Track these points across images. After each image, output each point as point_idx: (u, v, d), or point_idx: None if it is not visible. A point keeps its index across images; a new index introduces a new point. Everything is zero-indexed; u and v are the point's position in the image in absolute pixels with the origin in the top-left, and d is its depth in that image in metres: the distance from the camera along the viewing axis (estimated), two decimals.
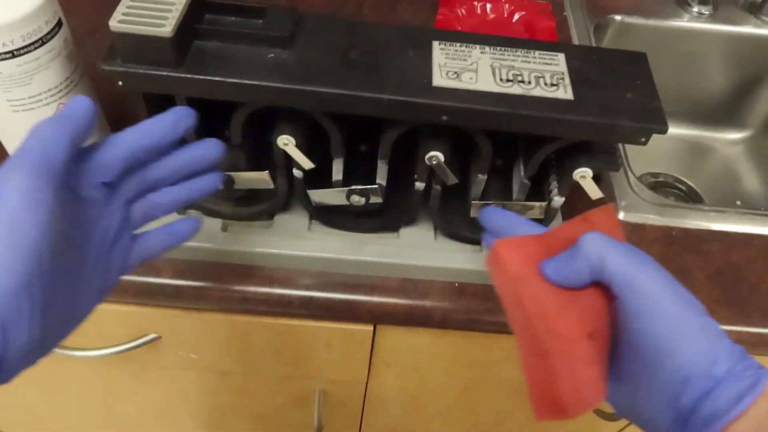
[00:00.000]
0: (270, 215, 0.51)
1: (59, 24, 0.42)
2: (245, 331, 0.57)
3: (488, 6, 0.75)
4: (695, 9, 0.76)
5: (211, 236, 0.49)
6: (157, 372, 0.66)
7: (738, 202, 0.81)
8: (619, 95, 0.39)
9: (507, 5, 0.74)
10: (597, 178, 0.42)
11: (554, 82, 0.40)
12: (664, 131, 0.38)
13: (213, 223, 0.50)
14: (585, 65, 0.41)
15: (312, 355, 0.59)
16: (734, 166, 0.84)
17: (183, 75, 0.37)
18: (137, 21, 0.36)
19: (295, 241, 0.50)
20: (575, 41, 0.72)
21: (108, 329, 0.57)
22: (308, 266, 0.50)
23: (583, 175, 0.41)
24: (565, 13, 0.75)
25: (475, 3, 0.74)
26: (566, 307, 0.31)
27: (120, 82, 0.38)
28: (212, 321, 0.55)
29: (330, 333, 0.56)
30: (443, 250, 0.50)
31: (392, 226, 0.51)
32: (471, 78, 0.39)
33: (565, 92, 0.39)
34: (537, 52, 0.42)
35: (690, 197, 0.82)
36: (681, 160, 0.85)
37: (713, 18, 0.76)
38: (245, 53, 0.39)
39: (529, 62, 0.41)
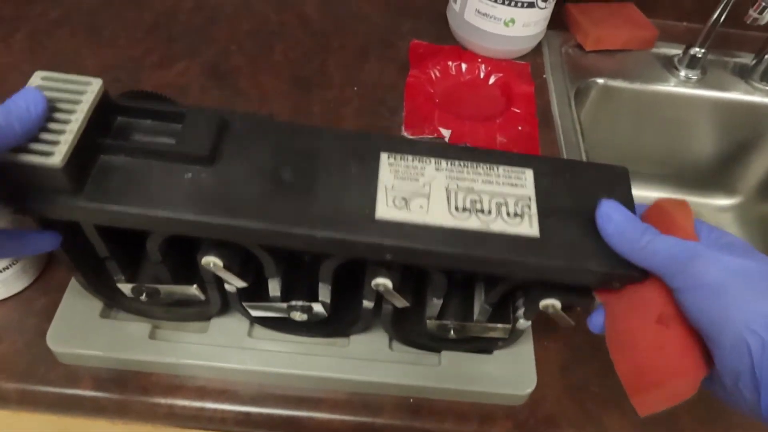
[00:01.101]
0: (206, 317, 0.46)
1: None
2: None
3: (463, 66, 0.70)
4: (683, 73, 0.71)
5: (137, 343, 0.44)
6: None
7: None
8: (593, 228, 0.34)
9: (483, 66, 0.70)
10: (569, 307, 0.37)
11: (518, 212, 0.34)
12: (639, 280, 0.33)
13: (140, 330, 0.44)
14: (556, 185, 0.36)
15: None
16: None
17: (81, 204, 0.32)
18: (24, 147, 0.30)
19: (233, 350, 0.44)
20: (555, 106, 0.67)
21: None
22: (246, 378, 0.45)
23: (552, 306, 0.36)
24: (545, 76, 0.70)
25: (450, 63, 0.70)
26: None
27: (13, 209, 0.33)
28: None
29: None
30: (398, 362, 0.45)
31: (342, 332, 0.46)
32: (421, 206, 0.34)
33: (530, 225, 0.34)
34: (501, 169, 0.36)
35: None
36: None
37: (702, 83, 0.72)
38: (158, 172, 0.33)
39: (491, 182, 0.35)
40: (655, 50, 0.74)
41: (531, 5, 0.65)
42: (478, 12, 0.66)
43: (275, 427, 0.45)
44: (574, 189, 0.36)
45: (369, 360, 0.45)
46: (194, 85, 0.65)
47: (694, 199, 0.81)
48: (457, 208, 0.34)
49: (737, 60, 0.74)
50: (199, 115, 0.35)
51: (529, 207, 0.35)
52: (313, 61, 0.69)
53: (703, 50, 0.70)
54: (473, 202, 0.34)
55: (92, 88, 0.33)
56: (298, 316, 0.41)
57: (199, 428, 0.45)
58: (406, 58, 0.70)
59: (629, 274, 0.32)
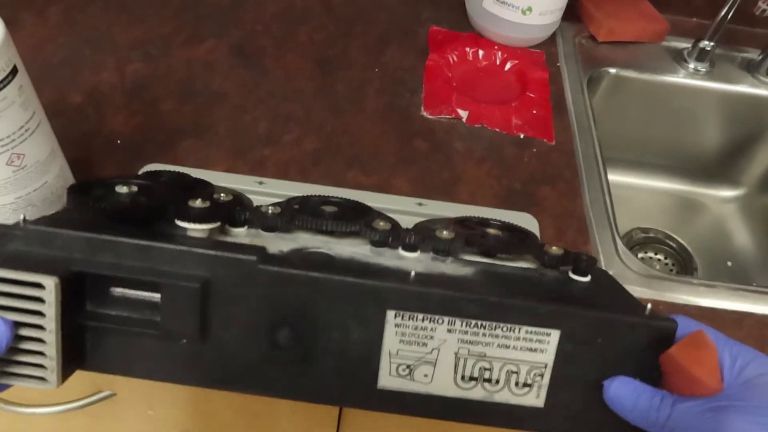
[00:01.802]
0: None
1: (14, 71, 0.39)
2: (203, 391, 0.53)
3: (480, 53, 0.73)
4: (692, 65, 0.74)
5: None
6: (115, 426, 0.62)
7: (729, 263, 0.78)
8: (603, 401, 0.31)
9: (500, 53, 0.72)
10: None
11: (528, 382, 0.32)
12: None
13: None
14: (582, 351, 0.32)
15: (276, 415, 0.56)
16: (726, 224, 0.82)
17: (87, 371, 0.32)
18: (12, 372, 0.29)
19: None
20: (568, 93, 0.70)
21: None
22: None
23: None
24: (558, 64, 0.73)
25: (467, 49, 0.72)
26: None
27: None
28: None
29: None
30: None
31: None
32: (426, 375, 0.32)
33: (536, 396, 0.32)
34: (524, 330, 0.31)
35: (680, 255, 0.80)
36: (672, 216, 0.83)
37: (710, 75, 0.74)
38: (152, 341, 0.31)
39: (508, 346, 0.32)
40: (665, 43, 0.77)
41: None
42: (497, 0, 0.69)
43: None
44: (602, 354, 0.32)
45: None
46: (221, 63, 0.68)
47: (699, 190, 0.84)
48: (463, 378, 0.32)
49: (744, 55, 0.77)
50: (177, 287, 0.30)
51: (542, 376, 0.32)
52: (336, 45, 0.72)
53: (711, 44, 0.72)
54: (482, 369, 0.32)
55: (48, 291, 0.28)
56: None
57: None
58: (426, 44, 0.73)
59: None
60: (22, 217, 0.31)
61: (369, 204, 0.44)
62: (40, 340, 0.28)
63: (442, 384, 0.32)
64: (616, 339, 0.31)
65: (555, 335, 0.31)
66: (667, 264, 0.80)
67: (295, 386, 0.32)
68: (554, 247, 0.37)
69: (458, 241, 0.36)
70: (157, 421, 0.59)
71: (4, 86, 0.38)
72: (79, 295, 0.31)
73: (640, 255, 0.80)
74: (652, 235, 0.81)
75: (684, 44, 0.76)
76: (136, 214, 0.34)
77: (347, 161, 0.59)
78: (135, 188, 0.36)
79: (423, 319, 0.31)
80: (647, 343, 0.31)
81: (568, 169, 0.61)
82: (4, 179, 0.42)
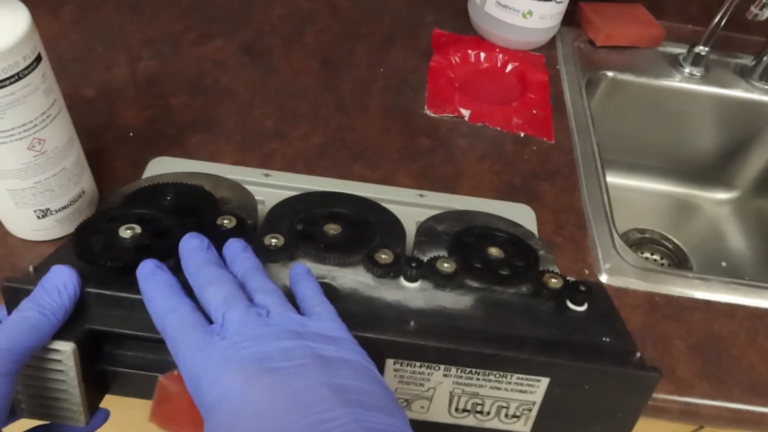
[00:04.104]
0: None
1: (38, 59, 0.41)
2: None
3: (482, 55, 0.75)
4: (687, 70, 0.76)
5: None
6: None
7: (724, 263, 0.80)
8: (586, 430, 0.34)
9: (501, 55, 0.75)
10: None
11: (518, 414, 0.34)
12: None
13: None
14: (568, 395, 0.34)
15: None
16: (721, 226, 0.84)
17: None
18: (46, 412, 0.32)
19: None
20: (567, 95, 0.72)
21: None
22: None
23: None
24: (558, 67, 0.75)
25: (469, 51, 0.74)
26: None
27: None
28: None
29: None
30: None
31: None
32: (422, 407, 0.34)
33: (524, 425, 0.35)
34: (515, 377, 0.34)
35: (676, 255, 0.82)
36: (668, 217, 0.85)
37: (704, 79, 0.76)
38: None
39: (500, 389, 0.34)
40: (661, 48, 0.79)
41: None
42: (499, 3, 0.71)
43: None
44: (587, 398, 0.34)
45: None
46: (231, 61, 0.69)
47: (694, 192, 0.86)
48: (457, 409, 0.35)
49: (738, 61, 0.79)
50: None
51: (530, 410, 0.34)
52: (342, 45, 0.74)
53: (706, 49, 0.75)
54: (475, 404, 0.34)
55: (66, 356, 0.31)
56: None
57: None
58: (429, 46, 0.75)
59: None
60: (31, 268, 0.33)
61: (372, 197, 0.45)
62: (65, 391, 0.32)
63: (437, 413, 0.34)
64: (601, 386, 0.34)
65: (544, 381, 0.34)
66: (663, 264, 0.81)
67: None
68: (553, 279, 0.39)
69: (458, 276, 0.38)
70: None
71: (29, 72, 0.40)
72: (96, 344, 0.33)
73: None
74: (648, 235, 0.83)
75: (679, 49, 0.78)
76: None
77: (352, 156, 0.61)
78: (138, 229, 0.36)
79: (420, 366, 0.33)
80: (631, 389, 0.34)
81: (567, 167, 0.63)
82: (25, 163, 0.43)
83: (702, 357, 0.51)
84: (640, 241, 0.83)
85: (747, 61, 0.78)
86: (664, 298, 0.54)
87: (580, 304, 0.38)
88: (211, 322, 0.29)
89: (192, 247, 0.32)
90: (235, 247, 0.34)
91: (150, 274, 0.31)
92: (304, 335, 0.28)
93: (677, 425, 0.55)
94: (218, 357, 0.27)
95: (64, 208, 0.48)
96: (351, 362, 0.28)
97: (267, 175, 0.56)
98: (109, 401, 0.36)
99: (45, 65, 0.42)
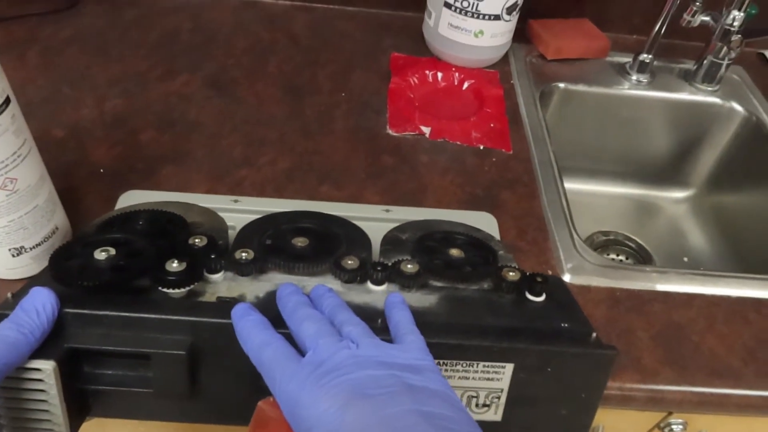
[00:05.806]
0: None
1: (6, 102, 0.42)
2: None
3: (439, 74, 0.78)
4: (634, 77, 0.80)
5: None
6: None
7: (685, 258, 0.83)
8: (555, 412, 0.36)
9: (457, 74, 0.78)
10: None
11: (487, 402, 0.36)
12: None
13: None
14: (533, 379, 0.36)
15: None
16: (680, 223, 0.88)
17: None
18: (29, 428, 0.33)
19: None
20: (522, 107, 0.75)
21: None
22: None
23: None
24: (512, 81, 0.78)
25: (427, 72, 0.78)
26: None
27: None
28: None
29: None
30: None
31: None
32: None
33: (495, 413, 0.37)
34: (481, 365, 0.36)
35: (640, 254, 0.85)
36: (630, 219, 0.88)
37: (651, 85, 0.81)
38: (146, 397, 0.35)
39: (468, 378, 0.36)
40: (609, 59, 0.83)
41: (497, 18, 0.73)
42: (451, 25, 0.75)
43: None
44: (551, 380, 0.36)
45: None
46: (197, 95, 0.72)
47: (652, 193, 0.89)
48: None
49: (681, 66, 0.84)
50: (164, 355, 0.34)
51: (499, 398, 0.36)
52: (304, 73, 0.76)
53: (650, 56, 0.79)
54: None
55: (47, 374, 0.32)
56: None
57: None
58: (388, 69, 0.78)
59: None
60: (9, 295, 0.34)
61: (339, 214, 0.47)
62: (47, 411, 0.32)
63: None
64: (563, 367, 0.36)
65: (509, 367, 0.36)
66: (628, 263, 0.84)
67: None
68: (511, 273, 0.41)
69: (421, 276, 0.40)
70: None
71: None
72: (77, 363, 0.34)
73: None
74: (612, 237, 0.86)
75: (626, 58, 0.83)
76: (118, 285, 0.37)
77: (320, 177, 0.63)
78: (113, 251, 0.38)
79: None
80: (591, 368, 0.37)
81: (526, 174, 0.66)
82: None
83: (664, 346, 0.53)
84: (605, 243, 0.86)
85: (689, 65, 0.83)
86: (625, 293, 0.57)
87: (539, 295, 0.40)
88: (303, 354, 0.32)
89: (289, 291, 0.36)
90: (320, 289, 0.38)
91: (244, 314, 0.34)
92: (392, 365, 0.31)
93: (647, 414, 0.58)
94: (312, 383, 0.29)
95: (38, 245, 0.49)
96: (436, 391, 0.30)
97: (236, 201, 0.58)
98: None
99: (14, 107, 0.43)
